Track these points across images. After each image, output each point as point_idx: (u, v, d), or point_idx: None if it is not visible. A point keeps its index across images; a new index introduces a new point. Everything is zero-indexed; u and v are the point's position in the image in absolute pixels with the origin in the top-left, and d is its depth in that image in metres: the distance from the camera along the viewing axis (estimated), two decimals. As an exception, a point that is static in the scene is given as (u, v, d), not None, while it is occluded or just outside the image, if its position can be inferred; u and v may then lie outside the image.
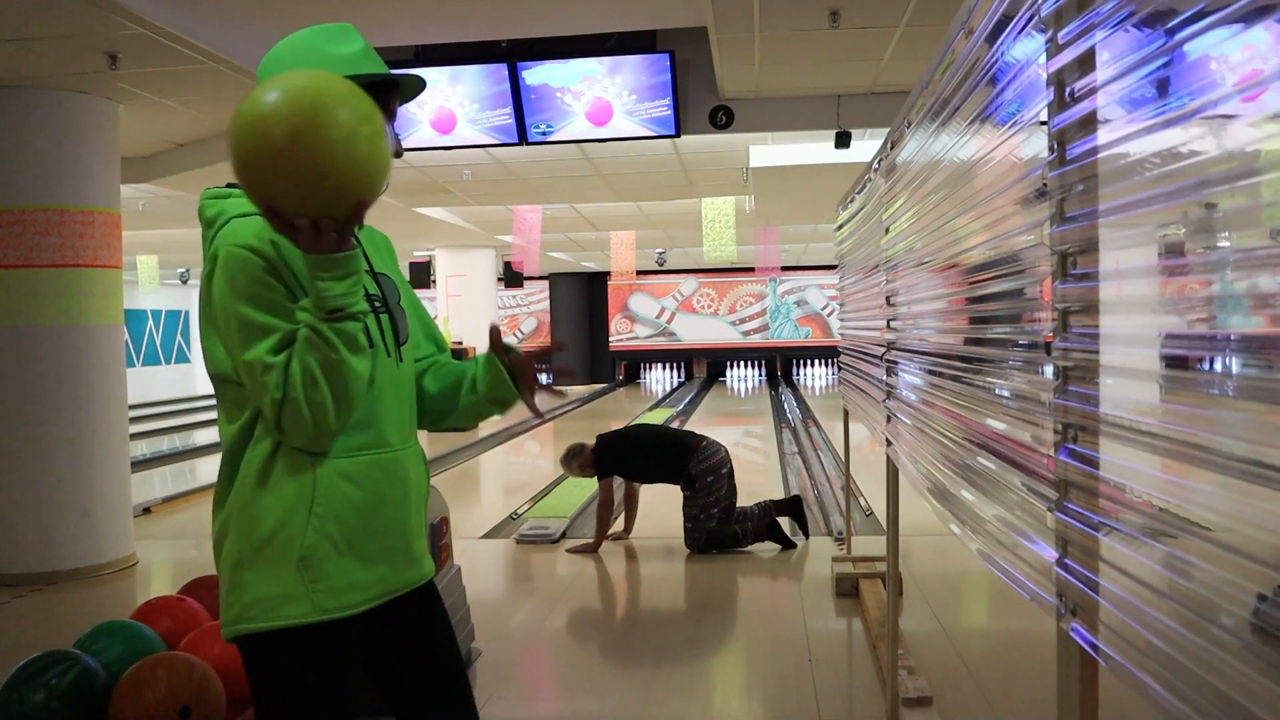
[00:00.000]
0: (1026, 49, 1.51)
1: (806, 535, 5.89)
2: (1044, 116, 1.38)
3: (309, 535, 1.56)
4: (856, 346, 4.31)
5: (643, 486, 6.15)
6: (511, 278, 16.31)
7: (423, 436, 1.81)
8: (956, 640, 4.09)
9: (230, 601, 1.57)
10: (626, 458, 5.82)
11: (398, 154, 1.69)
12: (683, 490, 5.78)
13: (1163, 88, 1.08)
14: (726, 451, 5.81)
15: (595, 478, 5.82)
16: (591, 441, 5.87)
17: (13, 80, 5.35)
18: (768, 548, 5.79)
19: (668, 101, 5.97)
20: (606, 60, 5.91)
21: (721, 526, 5.74)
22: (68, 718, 2.07)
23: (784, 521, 5.91)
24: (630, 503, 6.09)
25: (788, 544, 5.74)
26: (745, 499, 6.07)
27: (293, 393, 1.50)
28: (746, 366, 23.01)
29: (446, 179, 8.77)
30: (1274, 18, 0.86)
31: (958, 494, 2.01)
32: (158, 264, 15.39)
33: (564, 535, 6.23)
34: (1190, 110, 1.00)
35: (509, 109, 6.10)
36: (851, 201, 4.52)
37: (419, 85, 1.77)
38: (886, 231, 3.15)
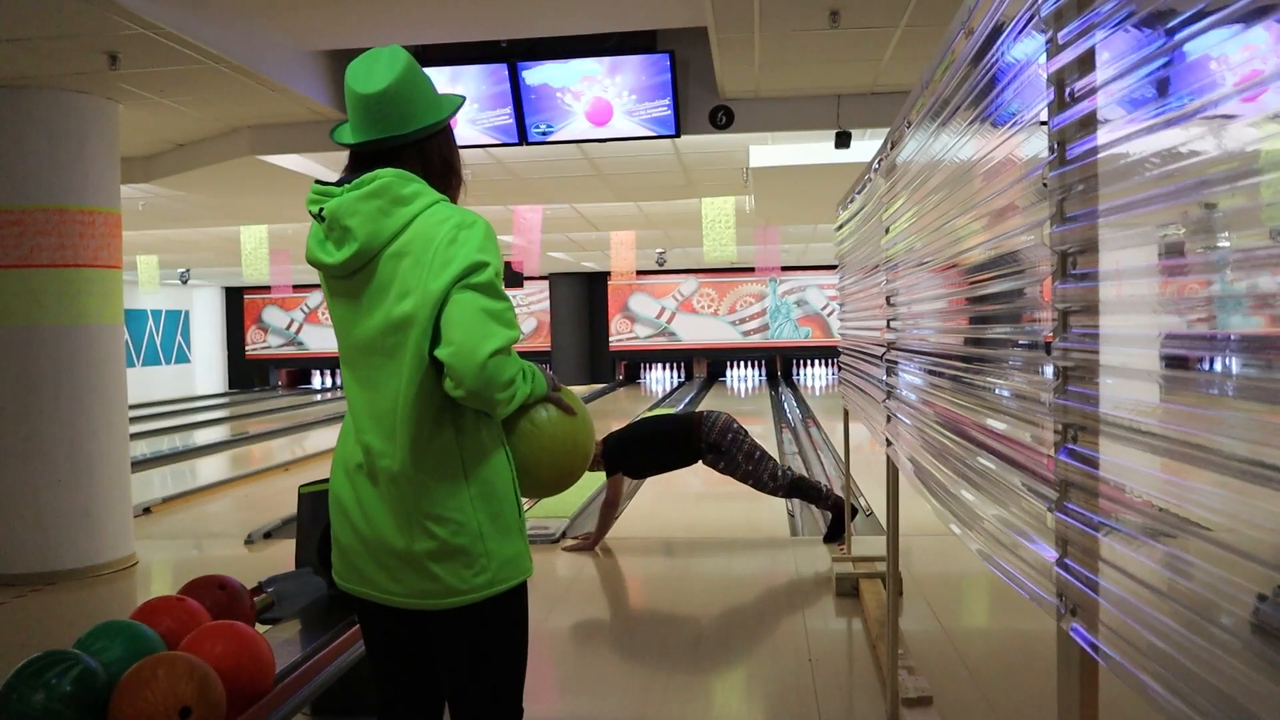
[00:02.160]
0: (1026, 49, 1.51)
1: (826, 540, 5.81)
2: (1044, 116, 1.38)
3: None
4: (856, 346, 4.31)
5: (643, 487, 6.14)
6: (511, 278, 16.27)
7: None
8: (956, 640, 4.09)
9: (483, 565, 1.80)
10: (636, 454, 5.80)
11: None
12: (714, 466, 5.73)
13: (1163, 88, 1.08)
14: (729, 414, 5.81)
15: (604, 472, 5.81)
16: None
17: (13, 80, 5.35)
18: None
19: (668, 101, 5.97)
20: (606, 60, 5.91)
21: (805, 479, 5.76)
22: (67, 718, 2.06)
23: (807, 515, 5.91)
24: (607, 511, 5.89)
25: (836, 535, 5.69)
26: (745, 500, 6.07)
27: None
28: (746, 366, 22.99)
29: (446, 179, 8.75)
30: (1274, 18, 0.86)
31: (958, 494, 2.01)
32: (158, 264, 15.37)
33: (564, 535, 6.23)
34: (1190, 110, 1.00)
35: (509, 109, 6.10)
36: (851, 201, 4.52)
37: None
38: (886, 231, 3.15)
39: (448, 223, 1.75)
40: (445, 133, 1.89)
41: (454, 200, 1.88)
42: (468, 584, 1.78)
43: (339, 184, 1.78)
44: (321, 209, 1.76)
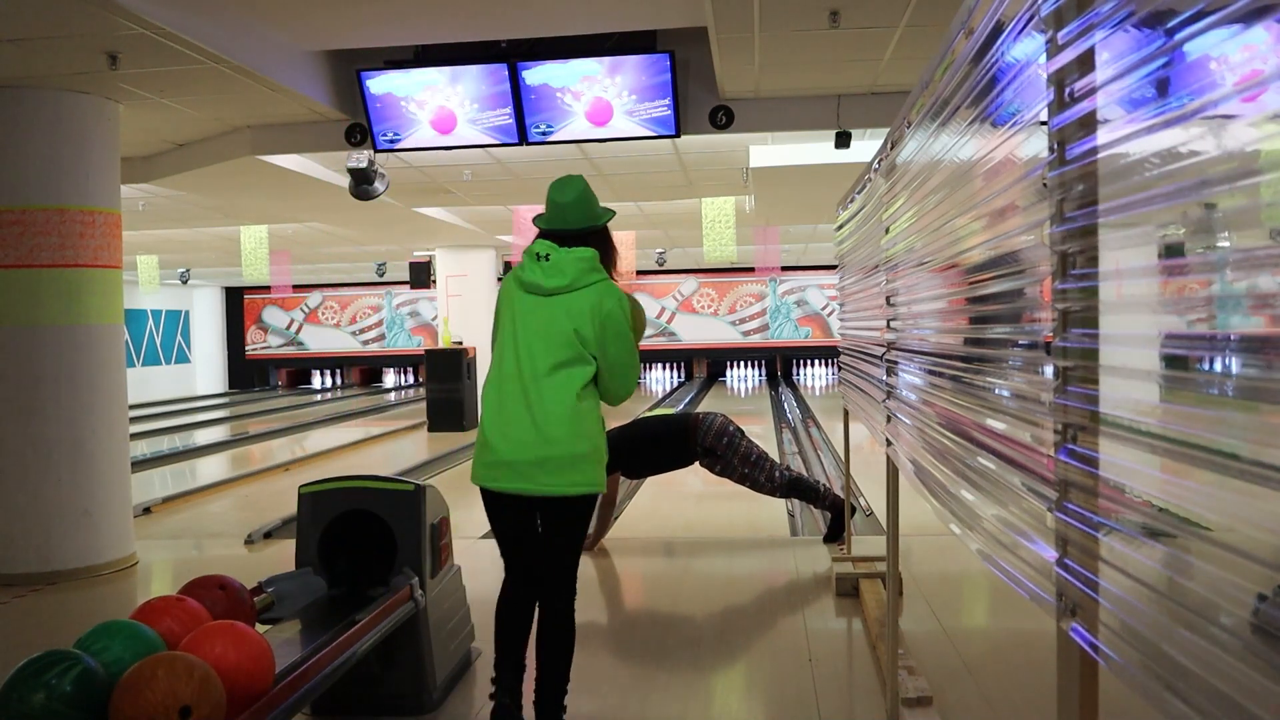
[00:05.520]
0: (1026, 49, 1.51)
1: (826, 540, 5.81)
2: (1044, 116, 1.38)
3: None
4: (856, 346, 4.31)
5: (643, 487, 6.14)
6: (512, 278, 16.26)
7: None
8: (956, 640, 4.09)
9: (601, 470, 2.99)
10: (631, 454, 5.80)
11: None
12: (710, 469, 5.74)
13: (1163, 88, 1.08)
14: (725, 416, 5.81)
15: None
16: None
17: (13, 80, 5.35)
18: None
19: (668, 101, 5.97)
20: (606, 60, 5.90)
21: (803, 479, 5.77)
22: (68, 718, 2.06)
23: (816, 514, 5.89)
24: (605, 510, 5.87)
25: (836, 535, 5.71)
26: (745, 500, 6.05)
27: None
28: (746, 366, 23.00)
29: (446, 179, 8.77)
30: (1274, 18, 0.86)
31: (958, 494, 2.01)
32: (158, 264, 15.38)
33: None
34: (1190, 110, 1.00)
35: (509, 109, 6.10)
36: (851, 201, 4.52)
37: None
38: (886, 231, 3.15)
39: (612, 296, 2.99)
40: (601, 231, 3.10)
41: (610, 269, 3.07)
42: (597, 477, 2.97)
43: (560, 244, 3.02)
44: (549, 254, 2.99)
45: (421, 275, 14.42)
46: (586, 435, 2.93)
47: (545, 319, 2.95)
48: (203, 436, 13.98)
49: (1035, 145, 1.45)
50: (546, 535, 3.02)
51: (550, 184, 3.07)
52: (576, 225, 3.05)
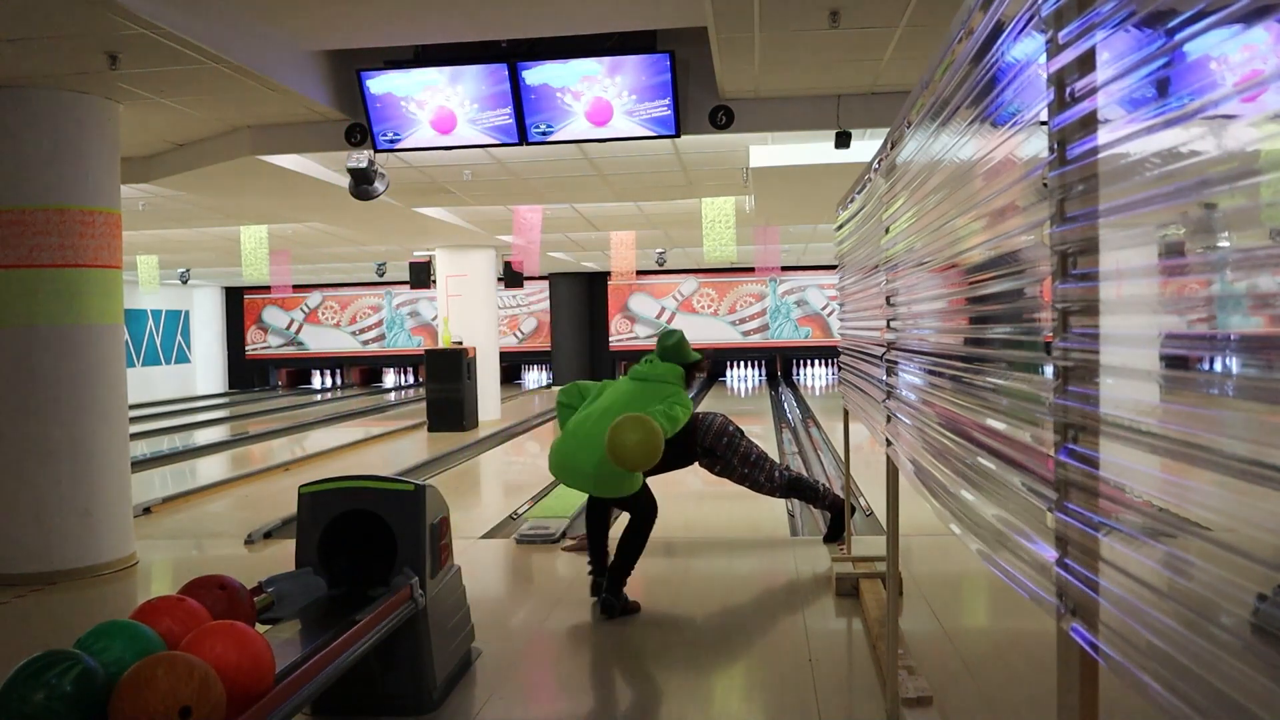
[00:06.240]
0: (1026, 49, 1.51)
1: (826, 540, 5.82)
2: (1044, 116, 1.38)
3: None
4: (856, 346, 4.31)
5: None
6: (511, 278, 16.25)
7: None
8: (956, 640, 4.09)
9: (633, 480, 4.58)
10: None
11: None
12: (709, 469, 5.74)
13: (1163, 88, 1.08)
14: (725, 416, 5.82)
15: None
16: None
17: (13, 80, 5.35)
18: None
19: (668, 101, 5.97)
20: (606, 60, 5.90)
21: (802, 479, 5.76)
22: (67, 717, 2.07)
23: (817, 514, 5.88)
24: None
25: (836, 535, 5.71)
26: (745, 500, 6.04)
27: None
28: (746, 366, 23.00)
29: (446, 179, 8.77)
30: (1274, 18, 0.87)
31: (958, 494, 2.01)
32: (158, 264, 15.38)
33: (564, 535, 6.23)
34: (1190, 110, 1.00)
35: (509, 109, 6.10)
36: (851, 201, 4.52)
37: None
38: (886, 231, 3.15)
39: (676, 398, 4.67)
40: (693, 363, 4.93)
41: (690, 379, 4.94)
42: (623, 486, 4.54)
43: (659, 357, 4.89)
44: (653, 359, 4.83)
45: (421, 275, 14.42)
46: (614, 471, 4.45)
47: (631, 395, 4.69)
48: (203, 436, 13.98)
49: (1035, 145, 1.45)
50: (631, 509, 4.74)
51: (661, 332, 4.96)
52: (674, 360, 4.85)
